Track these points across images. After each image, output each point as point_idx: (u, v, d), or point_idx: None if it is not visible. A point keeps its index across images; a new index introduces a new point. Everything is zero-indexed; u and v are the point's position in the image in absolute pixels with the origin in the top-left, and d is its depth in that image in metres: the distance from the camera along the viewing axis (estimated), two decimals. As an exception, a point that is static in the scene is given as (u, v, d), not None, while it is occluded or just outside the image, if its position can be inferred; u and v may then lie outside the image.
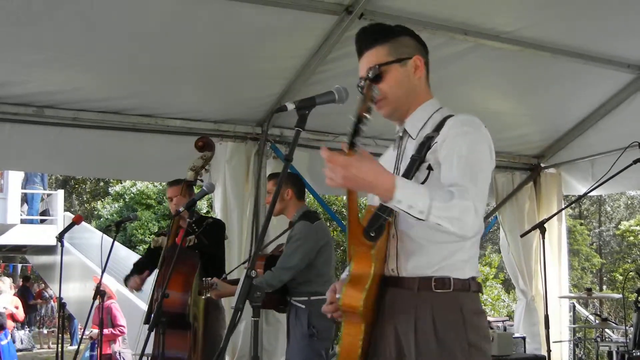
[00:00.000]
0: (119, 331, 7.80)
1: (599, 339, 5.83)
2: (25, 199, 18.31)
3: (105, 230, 12.21)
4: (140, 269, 4.89)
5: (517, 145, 6.79)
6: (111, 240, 4.71)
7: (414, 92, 2.24)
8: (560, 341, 6.61)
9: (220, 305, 4.78)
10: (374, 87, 1.89)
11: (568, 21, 4.67)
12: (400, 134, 2.29)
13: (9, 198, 17.14)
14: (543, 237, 4.82)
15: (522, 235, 5.48)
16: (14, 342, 12.92)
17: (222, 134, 5.73)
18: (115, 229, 4.78)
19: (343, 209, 19.31)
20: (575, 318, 7.53)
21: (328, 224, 17.08)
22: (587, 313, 8.73)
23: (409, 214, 1.86)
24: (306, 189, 5.79)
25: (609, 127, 6.09)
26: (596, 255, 22.42)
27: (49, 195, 19.89)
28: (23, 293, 17.68)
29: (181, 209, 4.01)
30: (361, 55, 2.28)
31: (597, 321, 6.21)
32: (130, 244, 19.34)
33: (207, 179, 4.95)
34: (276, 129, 5.86)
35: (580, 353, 6.36)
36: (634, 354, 5.06)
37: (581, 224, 22.54)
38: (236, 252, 5.57)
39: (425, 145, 2.12)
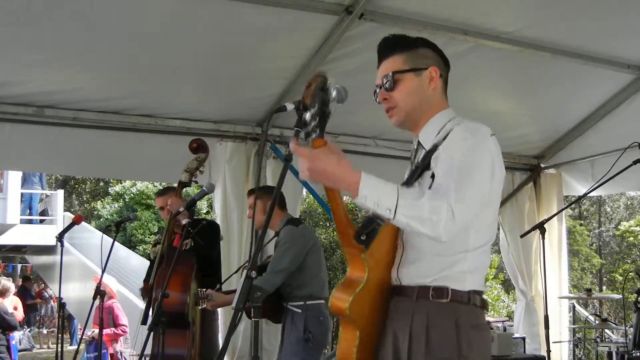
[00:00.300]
0: (122, 330, 7.80)
1: (598, 340, 5.83)
2: (21, 199, 18.31)
3: (105, 230, 12.21)
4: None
5: (517, 146, 6.78)
6: (111, 240, 4.71)
7: (427, 103, 2.22)
8: (560, 341, 6.60)
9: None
10: (328, 80, 1.85)
11: (568, 21, 4.67)
12: (415, 147, 2.29)
13: (9, 198, 17.14)
14: (543, 238, 4.81)
15: (522, 236, 5.48)
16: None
17: (222, 134, 5.73)
18: (115, 229, 4.78)
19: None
20: (575, 318, 7.53)
21: (327, 224, 17.11)
22: (586, 313, 8.74)
23: (377, 212, 1.86)
24: (306, 190, 5.80)
25: (609, 128, 6.09)
26: (596, 255, 22.41)
27: (48, 195, 19.87)
28: (22, 293, 17.66)
29: (181, 209, 4.01)
30: (380, 64, 2.27)
31: (596, 322, 6.21)
32: (130, 244, 19.33)
33: (206, 179, 4.96)
34: (276, 129, 5.86)
35: (580, 353, 6.37)
36: (634, 355, 5.06)
37: (581, 225, 22.53)
38: (236, 252, 5.56)
39: (431, 153, 2.12)
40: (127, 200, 21.59)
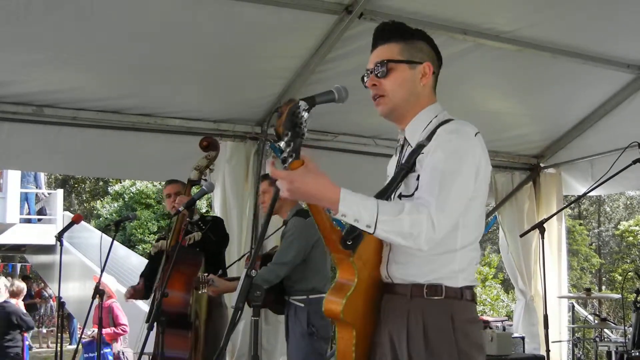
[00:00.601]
0: (122, 330, 7.79)
1: (597, 339, 5.83)
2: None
3: (105, 229, 12.21)
4: (147, 279, 4.86)
5: (516, 145, 6.79)
6: (110, 239, 4.70)
7: (415, 98, 2.21)
8: (560, 341, 6.61)
9: (223, 303, 4.78)
10: (297, 103, 1.85)
11: (568, 21, 4.67)
12: (401, 142, 2.29)
13: (8, 197, 17.14)
14: (542, 237, 4.81)
15: (521, 235, 5.47)
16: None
17: (221, 133, 5.72)
18: (115, 228, 4.77)
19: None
20: (574, 318, 7.54)
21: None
22: (586, 313, 8.74)
23: (357, 227, 1.89)
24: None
25: (608, 127, 6.09)
26: (595, 255, 22.44)
27: (48, 194, 19.87)
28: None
29: (181, 208, 4.01)
30: (374, 48, 2.25)
31: (596, 321, 6.21)
32: (130, 244, 19.35)
33: (208, 178, 4.95)
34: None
35: (579, 353, 6.36)
36: (633, 354, 5.06)
37: (580, 224, 22.55)
38: (236, 251, 5.56)
39: (415, 153, 2.12)
40: (126, 199, 21.61)
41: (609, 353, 5.59)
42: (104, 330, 7.47)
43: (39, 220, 18.84)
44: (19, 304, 8.58)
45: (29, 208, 18.49)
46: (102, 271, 4.65)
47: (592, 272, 22.93)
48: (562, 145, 6.76)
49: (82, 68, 4.79)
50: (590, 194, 5.74)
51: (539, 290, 6.60)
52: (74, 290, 14.63)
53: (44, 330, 17.66)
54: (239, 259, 5.11)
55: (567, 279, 7.34)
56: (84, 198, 29.39)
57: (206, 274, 4.27)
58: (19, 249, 20.86)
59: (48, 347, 16.79)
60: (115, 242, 4.99)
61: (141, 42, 4.54)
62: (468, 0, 4.45)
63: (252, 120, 5.81)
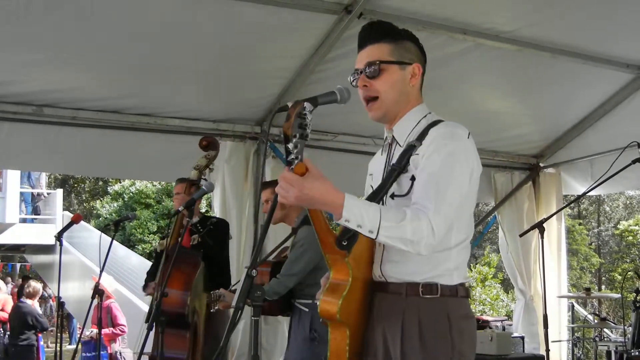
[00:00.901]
0: (120, 330, 7.79)
1: (597, 339, 5.83)
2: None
3: (104, 229, 12.22)
4: (154, 277, 4.86)
5: (516, 145, 6.79)
6: (110, 239, 4.70)
7: (405, 98, 2.22)
8: (559, 341, 6.60)
9: None
10: (304, 105, 1.86)
11: (567, 21, 4.67)
12: (389, 141, 2.30)
13: (8, 197, 17.14)
14: (542, 237, 4.81)
15: (521, 235, 5.47)
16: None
17: (221, 133, 5.72)
18: (114, 228, 4.77)
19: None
20: (574, 318, 7.54)
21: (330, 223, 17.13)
22: (585, 313, 8.73)
23: (360, 232, 1.92)
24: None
25: (608, 127, 6.09)
26: (595, 255, 22.45)
27: (47, 194, 19.86)
28: (20, 292, 17.65)
29: (180, 208, 4.01)
30: (363, 48, 2.25)
31: (595, 321, 6.22)
32: (129, 243, 19.34)
33: (208, 178, 4.94)
34: (275, 129, 5.84)
35: (578, 353, 6.36)
36: (633, 354, 5.06)
37: (580, 224, 22.56)
38: (235, 252, 5.55)
39: (407, 154, 2.12)
40: (126, 199, 21.60)
41: (608, 353, 5.59)
42: (103, 331, 7.48)
43: (33, 220, 18.83)
44: (34, 304, 8.63)
45: (26, 208, 18.51)
46: (101, 271, 4.65)
47: (592, 271, 22.94)
48: (562, 145, 6.76)
49: (82, 68, 4.79)
50: (590, 193, 5.74)
51: (538, 290, 6.60)
52: (73, 290, 14.63)
53: (44, 330, 17.67)
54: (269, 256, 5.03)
55: (566, 278, 7.34)
56: (84, 198, 29.38)
57: (217, 290, 4.26)
58: (19, 249, 20.86)
59: (48, 346, 16.76)
60: (114, 242, 4.99)
61: (141, 42, 4.54)
62: (468, 0, 4.45)
63: (252, 120, 5.81)
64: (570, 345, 6.73)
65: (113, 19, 4.22)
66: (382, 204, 2.18)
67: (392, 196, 2.16)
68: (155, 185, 21.07)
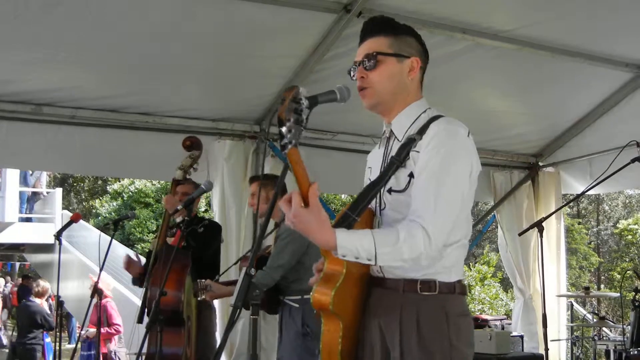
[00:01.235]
0: (115, 330, 7.80)
1: (596, 338, 5.84)
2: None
3: (103, 228, 12.23)
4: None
5: (515, 144, 6.79)
6: (109, 238, 4.70)
7: (403, 91, 2.23)
8: (558, 340, 6.61)
9: (212, 304, 4.80)
10: (299, 89, 1.84)
11: (566, 20, 4.67)
12: (387, 135, 2.30)
13: (7, 196, 17.13)
14: (541, 236, 4.82)
15: (520, 234, 5.47)
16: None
17: (220, 132, 5.72)
18: (113, 227, 4.78)
19: (341, 207, 19.33)
20: (573, 317, 7.55)
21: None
22: (584, 312, 8.75)
23: (347, 219, 1.99)
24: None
25: (607, 126, 6.09)
26: (594, 254, 22.46)
27: (47, 193, 19.86)
28: (20, 292, 17.66)
29: (179, 207, 4.00)
30: (363, 42, 2.26)
31: (594, 320, 6.22)
32: (129, 242, 19.34)
33: (204, 177, 4.94)
34: (275, 127, 5.83)
35: (577, 352, 6.37)
36: (632, 353, 5.06)
37: (579, 223, 22.57)
38: (234, 251, 5.56)
39: (406, 148, 2.12)
40: (125, 198, 21.60)
41: (607, 352, 5.60)
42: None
43: (28, 219, 18.83)
44: (43, 304, 8.66)
45: (20, 207, 18.51)
46: (100, 270, 4.65)
47: (591, 270, 22.95)
48: (561, 144, 6.76)
49: (81, 67, 4.79)
50: (589, 192, 5.73)
51: (537, 289, 6.60)
52: (72, 289, 14.63)
53: (43, 329, 17.65)
54: (235, 263, 5.09)
55: (565, 277, 7.35)
56: (83, 197, 29.38)
57: (203, 280, 4.28)
58: (18, 248, 20.86)
59: (47, 346, 16.77)
60: (114, 241, 4.99)
61: (140, 41, 4.54)
62: (467, -1, 4.46)
63: (251, 119, 5.81)
64: (569, 344, 6.74)
65: (112, 18, 4.21)
66: (380, 197, 2.19)
67: (390, 191, 2.17)
68: (155, 185, 21.07)
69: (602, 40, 4.97)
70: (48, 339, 9.77)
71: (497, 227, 7.58)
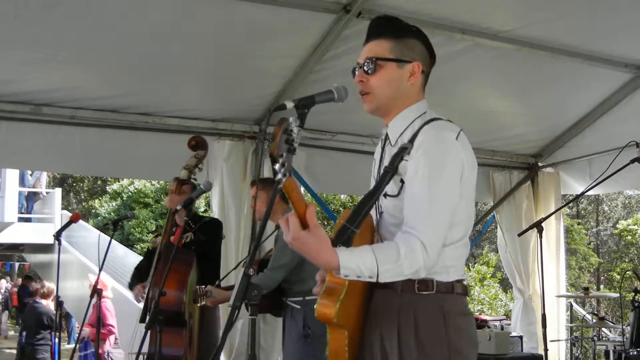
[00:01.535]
0: (108, 330, 7.80)
1: (596, 338, 5.84)
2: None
3: (103, 228, 12.23)
4: (142, 274, 4.86)
5: (514, 145, 6.79)
6: (109, 238, 4.70)
7: (402, 96, 2.21)
8: (558, 340, 6.61)
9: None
10: (289, 121, 1.84)
11: (566, 21, 4.67)
12: (384, 137, 2.30)
13: (7, 196, 17.13)
14: (540, 236, 4.82)
15: (519, 235, 5.47)
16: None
17: (219, 132, 5.72)
18: (113, 227, 4.78)
19: (341, 208, 19.33)
20: (573, 317, 7.54)
21: (326, 223, 17.11)
22: (584, 312, 8.74)
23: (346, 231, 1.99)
24: (303, 188, 5.79)
25: (606, 127, 6.09)
26: (593, 254, 22.48)
27: (46, 193, 19.86)
28: (20, 291, 17.67)
29: (178, 207, 4.01)
30: (367, 42, 2.25)
31: (594, 320, 6.23)
32: (128, 242, 19.33)
33: (204, 177, 4.94)
34: (273, 128, 5.85)
35: (577, 352, 6.37)
36: (631, 353, 5.06)
37: (579, 224, 22.58)
38: (233, 251, 5.56)
39: (398, 156, 2.11)
40: (124, 198, 21.60)
41: (607, 352, 5.60)
42: (92, 330, 7.50)
43: (26, 219, 18.83)
44: (49, 305, 8.67)
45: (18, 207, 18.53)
46: (100, 270, 4.65)
47: (591, 271, 22.97)
48: (560, 145, 6.76)
49: (81, 67, 4.78)
50: (589, 193, 5.74)
51: (537, 290, 6.59)
52: (72, 290, 14.63)
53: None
54: (235, 267, 5.09)
55: (565, 278, 7.35)
56: (82, 197, 29.39)
57: (203, 286, 4.28)
58: (17, 248, 20.86)
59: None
60: (113, 241, 4.99)
61: (140, 41, 4.54)
62: (467, -1, 4.46)
63: (251, 120, 5.81)
64: (569, 345, 6.74)
65: (112, 18, 4.21)
66: (378, 205, 2.20)
67: (385, 195, 2.17)
68: (154, 185, 21.06)
69: (602, 41, 4.97)
70: (55, 340, 9.80)
71: (496, 228, 7.58)
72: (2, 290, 20.15)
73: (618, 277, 20.48)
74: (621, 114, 5.88)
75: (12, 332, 19.86)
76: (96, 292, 4.66)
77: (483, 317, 6.61)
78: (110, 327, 7.80)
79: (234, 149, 5.75)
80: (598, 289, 21.72)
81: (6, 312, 20.11)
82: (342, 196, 19.75)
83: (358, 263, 1.92)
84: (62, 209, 19.76)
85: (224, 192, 5.70)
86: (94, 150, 5.49)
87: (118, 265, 14.23)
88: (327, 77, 4.95)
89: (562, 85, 5.68)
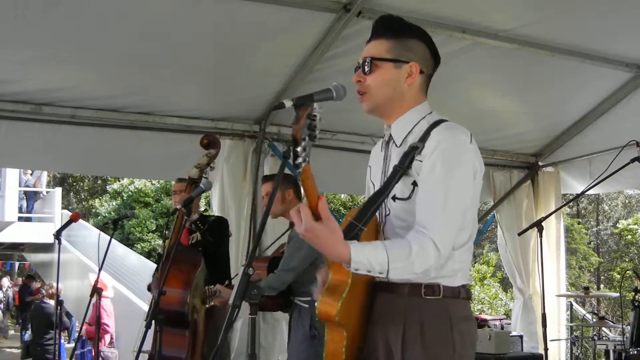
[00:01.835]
0: (102, 329, 7.80)
1: (596, 338, 5.84)
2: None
3: (103, 227, 12.22)
4: None
5: (515, 144, 6.79)
6: (109, 237, 4.70)
7: (399, 97, 2.20)
8: (558, 340, 6.61)
9: None
10: (314, 106, 1.83)
11: (566, 20, 4.67)
12: (387, 139, 2.28)
13: (7, 196, 17.14)
14: (540, 236, 4.82)
15: (519, 234, 5.47)
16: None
17: (220, 131, 5.71)
18: (113, 226, 4.78)
19: (341, 207, 19.33)
20: (573, 317, 7.54)
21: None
22: (584, 312, 8.74)
23: (353, 229, 1.98)
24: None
25: (606, 126, 6.09)
26: (594, 254, 22.47)
27: (46, 192, 19.87)
28: (22, 292, 17.67)
29: (178, 206, 4.00)
30: (369, 42, 2.25)
31: (594, 320, 6.23)
32: (128, 242, 19.34)
33: (208, 176, 4.93)
34: (274, 127, 5.86)
35: (577, 352, 6.37)
36: (631, 353, 5.07)
37: (579, 223, 22.57)
38: (234, 250, 5.55)
39: (409, 156, 2.10)
40: (125, 198, 21.60)
41: (607, 352, 5.60)
42: (88, 328, 7.51)
43: (26, 219, 18.85)
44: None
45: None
46: (100, 270, 4.65)
47: (591, 270, 22.96)
48: (561, 144, 6.76)
49: (81, 66, 4.78)
50: (589, 192, 5.73)
51: (537, 289, 6.59)
52: (72, 289, 14.64)
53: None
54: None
55: (565, 277, 7.35)
56: (83, 196, 29.39)
57: (212, 286, 4.25)
58: (18, 248, 20.87)
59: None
60: (113, 240, 4.99)
61: (140, 41, 4.54)
62: (467, -2, 4.45)
63: (251, 119, 5.81)
64: (569, 344, 6.74)
65: (112, 18, 4.21)
66: (385, 206, 2.17)
67: (394, 198, 2.15)
68: (154, 184, 21.06)
69: (602, 40, 4.97)
70: (62, 340, 9.84)
71: (496, 227, 7.58)
72: (4, 289, 20.15)
73: (618, 276, 20.47)
74: (621, 113, 5.88)
75: (12, 332, 19.87)
76: (96, 291, 4.66)
77: (483, 316, 6.61)
78: (105, 326, 7.81)
79: (234, 148, 5.76)
80: (598, 288, 21.71)
81: (7, 311, 20.12)
82: (342, 195, 19.74)
83: (369, 257, 1.91)
84: (62, 208, 19.79)
85: (224, 191, 5.70)
86: (94, 150, 5.49)
87: (118, 265, 14.24)
88: (327, 77, 4.95)
89: (563, 84, 5.68)
